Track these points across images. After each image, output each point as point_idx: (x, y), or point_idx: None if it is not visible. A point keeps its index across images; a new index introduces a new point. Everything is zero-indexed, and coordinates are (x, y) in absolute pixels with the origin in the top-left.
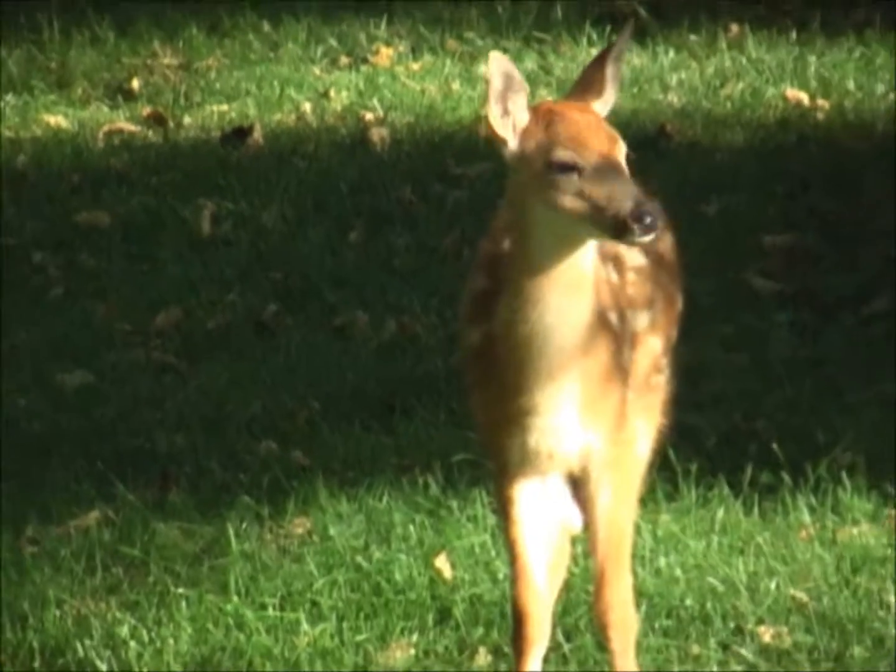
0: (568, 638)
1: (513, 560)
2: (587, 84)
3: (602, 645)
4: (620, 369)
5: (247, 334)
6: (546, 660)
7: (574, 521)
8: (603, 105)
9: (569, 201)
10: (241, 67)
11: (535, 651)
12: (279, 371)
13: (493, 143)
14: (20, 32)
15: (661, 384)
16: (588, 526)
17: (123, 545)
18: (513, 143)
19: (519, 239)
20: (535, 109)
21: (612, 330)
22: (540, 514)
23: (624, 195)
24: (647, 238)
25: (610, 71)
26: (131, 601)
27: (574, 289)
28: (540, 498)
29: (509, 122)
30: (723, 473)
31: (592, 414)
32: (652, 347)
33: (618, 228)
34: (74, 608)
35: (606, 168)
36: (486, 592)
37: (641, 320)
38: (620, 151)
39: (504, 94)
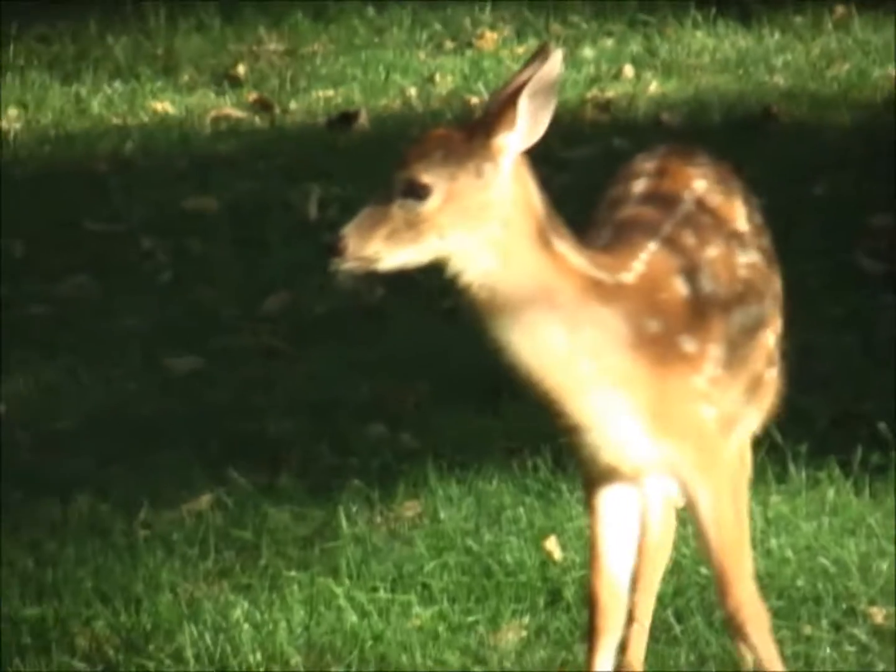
0: (679, 619)
1: (590, 548)
2: (496, 113)
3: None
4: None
5: (355, 318)
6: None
7: (675, 492)
8: (519, 138)
9: None
10: (347, 53)
11: (604, 641)
12: (387, 355)
13: (598, 127)
14: (127, 20)
15: (774, 377)
16: (696, 530)
17: (235, 529)
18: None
19: None
20: None
21: (672, 335)
22: (622, 505)
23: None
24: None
25: (524, 105)
26: (243, 584)
27: (513, 309)
28: (623, 488)
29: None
30: (832, 455)
31: (665, 424)
32: (764, 342)
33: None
34: (187, 592)
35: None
36: None
37: (750, 316)
38: (405, 174)
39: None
